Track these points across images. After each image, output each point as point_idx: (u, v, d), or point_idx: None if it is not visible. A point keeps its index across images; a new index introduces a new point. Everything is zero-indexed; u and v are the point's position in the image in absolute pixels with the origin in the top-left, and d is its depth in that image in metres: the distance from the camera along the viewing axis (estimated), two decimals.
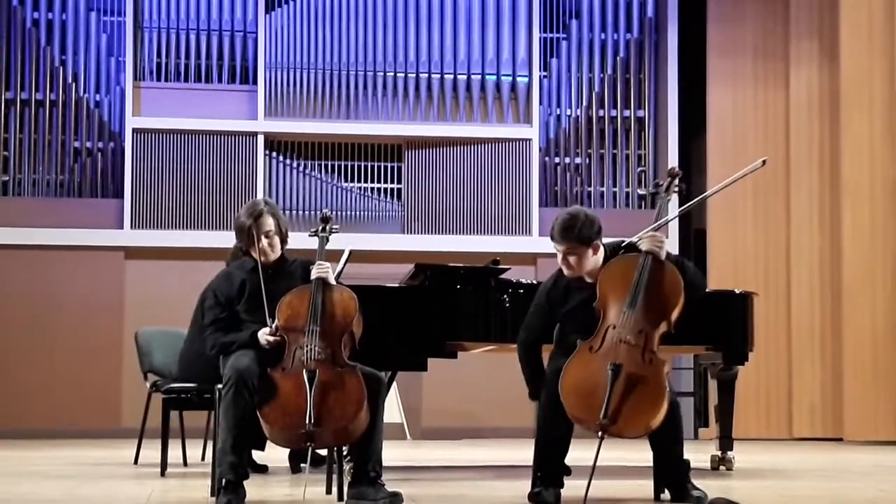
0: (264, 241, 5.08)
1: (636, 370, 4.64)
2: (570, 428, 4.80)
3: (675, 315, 4.81)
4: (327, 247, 5.17)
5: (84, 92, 12.24)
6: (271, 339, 4.89)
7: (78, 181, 12.12)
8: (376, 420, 4.84)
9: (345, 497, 4.88)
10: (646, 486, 5.36)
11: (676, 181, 5.02)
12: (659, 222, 4.94)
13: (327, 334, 4.84)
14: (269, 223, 5.10)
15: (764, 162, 5.49)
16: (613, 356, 4.65)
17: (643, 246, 4.86)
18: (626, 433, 4.63)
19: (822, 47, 12.01)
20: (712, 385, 7.38)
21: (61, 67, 12.21)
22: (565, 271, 5.00)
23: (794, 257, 11.99)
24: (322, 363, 4.77)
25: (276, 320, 4.91)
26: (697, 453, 8.00)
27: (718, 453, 7.10)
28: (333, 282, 5.01)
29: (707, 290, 8.06)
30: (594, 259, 4.96)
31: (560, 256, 4.97)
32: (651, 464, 5.03)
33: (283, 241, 5.17)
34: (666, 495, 5.00)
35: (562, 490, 4.88)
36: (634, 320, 4.72)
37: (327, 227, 5.21)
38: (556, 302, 5.04)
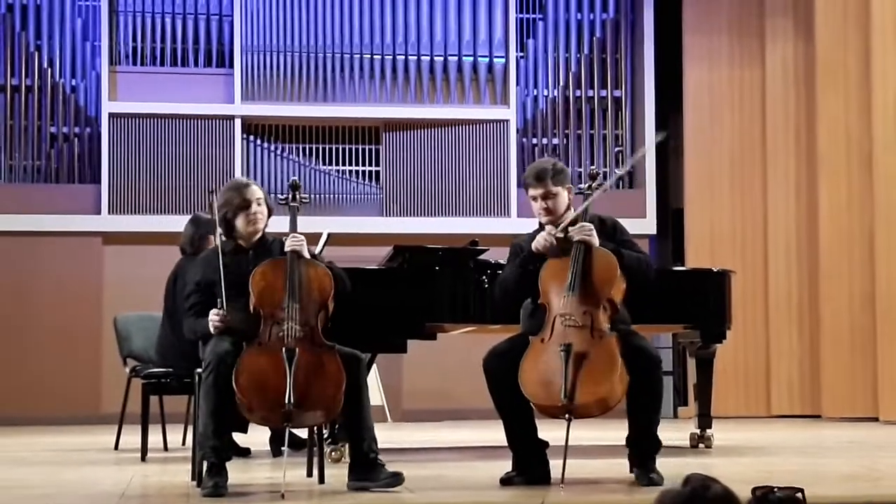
0: (256, 208, 5.05)
1: (586, 347, 4.80)
2: (528, 407, 4.93)
3: (614, 295, 4.98)
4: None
5: (60, 77, 12.17)
6: (218, 323, 4.85)
7: (55, 167, 12.06)
8: (361, 399, 4.83)
9: (346, 481, 4.86)
10: (621, 465, 5.40)
11: (597, 181, 5.22)
12: (579, 210, 5.11)
13: (305, 311, 4.82)
14: (259, 192, 5.09)
15: (659, 139, 5.64)
16: (563, 339, 4.80)
17: (575, 237, 5.01)
18: (589, 410, 4.74)
19: (797, 23, 12.04)
20: (691, 363, 7.43)
21: (36, 52, 12.13)
22: (543, 218, 5.15)
23: (771, 234, 12.03)
24: (301, 342, 4.74)
25: (251, 296, 4.85)
26: (677, 431, 8.06)
27: (697, 431, 7.14)
28: (307, 255, 4.98)
29: (684, 268, 8.13)
30: (565, 204, 5.15)
31: (538, 203, 5.13)
32: (625, 442, 5.09)
33: (269, 215, 5.15)
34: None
35: (549, 468, 4.97)
36: (576, 302, 4.88)
37: (297, 196, 5.15)
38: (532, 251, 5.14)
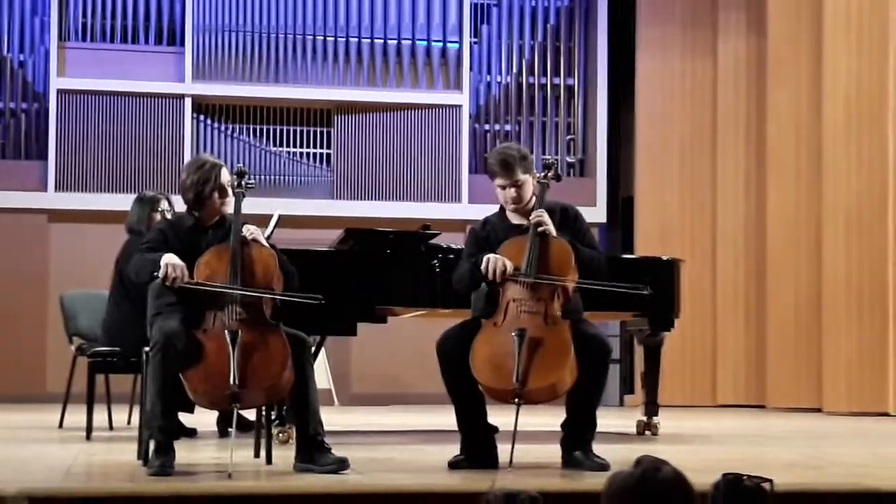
0: (229, 191, 5.00)
1: (540, 332, 4.83)
2: (479, 391, 4.96)
3: (568, 283, 4.98)
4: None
5: (7, 51, 12.00)
6: (172, 274, 4.73)
7: (1, 142, 11.91)
8: (308, 381, 4.82)
9: (293, 462, 4.85)
10: None
11: (552, 171, 5.26)
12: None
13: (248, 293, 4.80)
14: (229, 176, 5.05)
15: None
16: (517, 324, 4.83)
17: (531, 223, 5.03)
18: (539, 396, 4.78)
19: (750, 18, 12.11)
20: (638, 351, 7.46)
21: None
22: (511, 207, 5.17)
23: (720, 225, 12.12)
24: (244, 323, 4.73)
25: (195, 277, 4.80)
26: (623, 419, 8.11)
27: (644, 419, 7.19)
28: (264, 242, 4.96)
29: (634, 256, 8.17)
30: (531, 191, 5.15)
31: (505, 192, 5.12)
32: (560, 426, 5.12)
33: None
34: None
35: (497, 452, 5.00)
36: (531, 288, 4.92)
37: (243, 183, 5.10)
38: (491, 236, 5.15)
